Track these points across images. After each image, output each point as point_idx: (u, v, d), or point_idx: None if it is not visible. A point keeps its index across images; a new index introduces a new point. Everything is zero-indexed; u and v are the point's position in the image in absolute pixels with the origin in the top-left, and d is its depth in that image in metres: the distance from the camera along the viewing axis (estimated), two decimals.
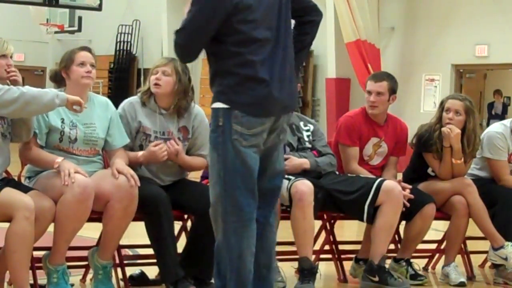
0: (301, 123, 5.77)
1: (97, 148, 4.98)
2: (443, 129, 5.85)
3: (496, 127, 6.17)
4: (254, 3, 4.08)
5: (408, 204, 5.59)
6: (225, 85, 4.10)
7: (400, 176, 6.05)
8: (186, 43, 4.09)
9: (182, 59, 4.40)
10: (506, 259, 5.89)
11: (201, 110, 5.38)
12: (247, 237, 4.10)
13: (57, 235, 4.69)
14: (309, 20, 4.38)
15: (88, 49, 5.06)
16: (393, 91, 5.90)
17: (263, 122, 4.11)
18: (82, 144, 4.91)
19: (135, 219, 4.92)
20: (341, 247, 5.98)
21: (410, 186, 5.69)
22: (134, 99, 5.28)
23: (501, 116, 18.29)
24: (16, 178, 5.02)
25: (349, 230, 7.68)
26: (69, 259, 4.93)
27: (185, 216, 5.40)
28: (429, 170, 6.06)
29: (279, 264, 5.51)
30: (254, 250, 4.13)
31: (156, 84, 5.17)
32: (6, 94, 4.45)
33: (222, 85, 4.12)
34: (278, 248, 5.60)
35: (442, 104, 5.98)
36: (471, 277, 6.14)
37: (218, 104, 4.11)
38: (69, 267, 5.00)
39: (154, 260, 5.15)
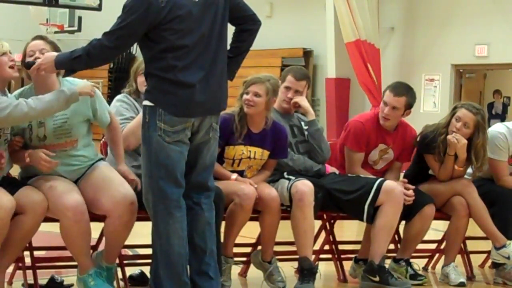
0: (302, 123, 5.77)
1: (73, 138, 4.77)
2: (448, 137, 5.80)
3: (499, 127, 6.13)
4: (183, 14, 4.44)
5: (408, 201, 5.58)
6: (151, 85, 4.52)
7: (401, 176, 6.04)
8: (114, 46, 4.46)
9: (103, 61, 4.65)
10: (508, 258, 5.89)
11: None
12: (173, 223, 4.52)
13: (74, 253, 4.70)
14: (247, 28, 4.73)
15: (40, 37, 4.85)
16: (409, 106, 5.82)
17: (184, 121, 4.49)
18: (54, 139, 4.73)
19: (136, 219, 4.92)
20: (341, 247, 5.99)
21: (413, 187, 5.68)
22: (125, 96, 5.32)
23: (502, 116, 18.31)
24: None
25: (349, 230, 7.68)
26: (70, 258, 4.92)
27: None
28: (430, 171, 6.05)
29: (279, 264, 5.53)
30: (184, 235, 4.54)
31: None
32: (14, 112, 4.42)
33: (149, 86, 4.53)
34: (278, 248, 5.65)
35: (454, 109, 5.91)
36: (471, 277, 6.14)
37: (145, 102, 4.53)
38: (70, 266, 5.01)
39: None
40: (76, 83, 4.78)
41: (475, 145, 5.81)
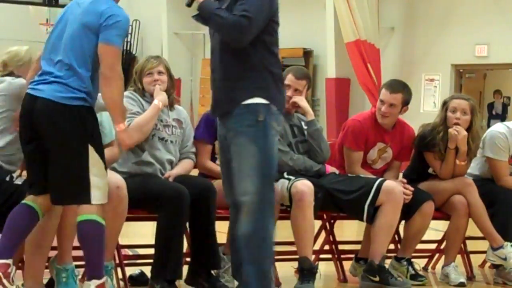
0: (303, 123, 5.77)
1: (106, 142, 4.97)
2: (450, 130, 5.82)
3: (499, 127, 6.15)
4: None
5: (406, 199, 5.58)
6: (263, 81, 4.29)
7: (400, 176, 6.04)
8: (252, 31, 4.19)
9: (240, 43, 4.25)
10: (505, 259, 5.89)
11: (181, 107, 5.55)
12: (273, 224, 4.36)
13: (60, 235, 4.69)
14: None
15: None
16: (406, 103, 5.85)
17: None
18: None
19: (135, 219, 4.92)
20: (341, 247, 5.99)
21: (412, 189, 5.68)
22: (131, 92, 5.31)
23: (502, 116, 18.30)
24: None
25: (349, 230, 7.69)
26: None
27: None
28: (430, 170, 6.05)
29: (279, 264, 5.52)
30: None
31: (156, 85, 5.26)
32: None
33: (259, 81, 4.28)
34: (278, 248, 5.64)
35: (445, 104, 5.94)
36: (471, 277, 6.14)
37: (257, 99, 4.27)
38: None
39: None
40: None
41: (473, 130, 5.85)
